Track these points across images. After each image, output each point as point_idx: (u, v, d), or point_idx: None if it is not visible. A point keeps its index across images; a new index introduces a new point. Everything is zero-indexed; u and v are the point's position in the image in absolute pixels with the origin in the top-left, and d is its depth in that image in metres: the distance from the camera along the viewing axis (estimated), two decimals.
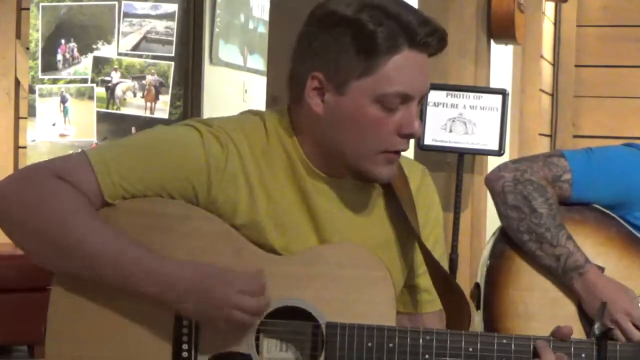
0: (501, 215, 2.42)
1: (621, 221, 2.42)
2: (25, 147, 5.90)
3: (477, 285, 2.43)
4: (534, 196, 2.37)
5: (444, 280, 1.91)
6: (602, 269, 2.38)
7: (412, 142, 4.09)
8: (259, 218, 1.79)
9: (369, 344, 1.75)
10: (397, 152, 1.81)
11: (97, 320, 1.78)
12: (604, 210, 2.43)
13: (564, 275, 2.34)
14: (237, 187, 1.79)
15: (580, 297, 2.35)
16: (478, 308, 2.40)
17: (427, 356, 1.76)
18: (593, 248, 2.40)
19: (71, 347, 1.79)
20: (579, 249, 2.35)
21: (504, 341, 1.76)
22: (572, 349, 1.78)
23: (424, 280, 1.95)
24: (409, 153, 3.99)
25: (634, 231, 2.42)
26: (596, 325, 1.84)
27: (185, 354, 1.76)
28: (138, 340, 1.77)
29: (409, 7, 1.77)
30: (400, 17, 1.74)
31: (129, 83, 5.63)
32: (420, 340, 1.75)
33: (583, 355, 1.79)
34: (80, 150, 1.83)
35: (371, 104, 1.75)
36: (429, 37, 1.75)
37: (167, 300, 1.72)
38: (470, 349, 1.76)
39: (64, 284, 1.81)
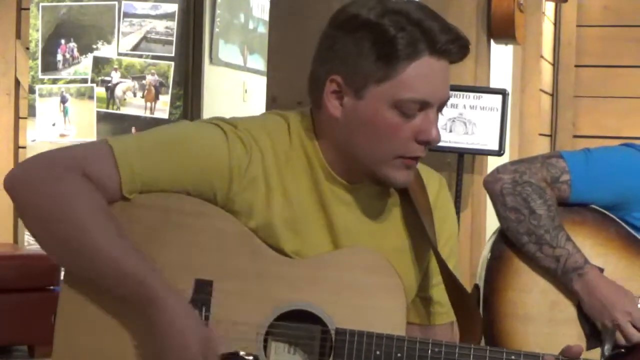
0: (500, 217, 2.41)
1: (620, 222, 2.42)
2: (25, 147, 5.90)
3: (476, 286, 2.43)
4: (532, 198, 2.36)
5: (458, 292, 1.90)
6: (601, 270, 2.37)
7: None
8: (274, 221, 1.79)
9: (377, 352, 1.74)
10: (414, 158, 1.80)
11: (106, 313, 1.77)
12: (603, 211, 2.43)
13: (564, 276, 2.34)
14: (256, 190, 1.79)
15: (580, 298, 2.34)
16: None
17: None
18: (592, 249, 2.40)
19: (79, 338, 1.78)
20: (578, 250, 2.35)
21: (513, 357, 1.75)
22: None
23: (438, 291, 1.94)
24: None
25: (633, 232, 2.42)
26: (607, 347, 1.83)
27: None
28: (144, 333, 1.74)
29: (431, 13, 1.76)
30: (422, 24, 1.73)
31: (129, 83, 5.63)
32: (429, 352, 1.74)
33: None
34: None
35: (389, 109, 1.75)
36: (450, 45, 1.74)
37: (150, 322, 1.70)
38: None
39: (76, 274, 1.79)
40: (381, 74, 1.74)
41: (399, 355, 1.74)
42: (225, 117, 1.87)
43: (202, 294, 1.76)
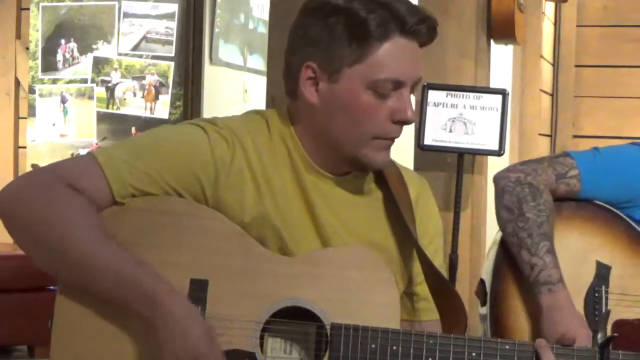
0: (496, 214, 2.43)
1: (629, 220, 2.42)
2: (25, 147, 5.90)
3: (481, 281, 2.43)
4: (526, 200, 2.36)
5: (443, 288, 1.91)
6: (609, 267, 2.37)
7: (411, 142, 4.11)
8: (267, 213, 1.81)
9: (373, 346, 1.75)
10: (392, 139, 1.84)
11: (103, 317, 1.77)
12: (612, 208, 2.43)
13: (533, 286, 2.31)
14: (244, 183, 1.81)
15: (541, 313, 2.30)
16: (483, 304, 2.40)
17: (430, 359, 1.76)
18: (600, 246, 2.40)
19: (76, 339, 1.78)
20: (556, 266, 2.31)
21: (507, 347, 1.77)
22: (575, 357, 1.79)
23: (423, 288, 1.96)
24: (409, 153, 3.99)
25: None
26: (600, 334, 1.83)
27: None
28: (143, 337, 1.76)
29: None
30: (391, 5, 1.78)
31: (129, 83, 5.63)
32: (424, 344, 1.76)
33: None
34: (80, 151, 1.82)
35: (364, 91, 1.79)
36: (419, 25, 1.79)
37: (150, 321, 1.71)
38: (474, 354, 1.76)
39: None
40: (355, 56, 1.78)
41: (394, 348, 1.75)
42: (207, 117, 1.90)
43: (198, 293, 1.76)
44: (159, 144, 1.82)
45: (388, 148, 1.84)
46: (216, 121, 1.85)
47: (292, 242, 1.82)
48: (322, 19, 1.79)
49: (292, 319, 1.78)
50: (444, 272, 1.95)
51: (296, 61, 1.82)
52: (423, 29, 1.80)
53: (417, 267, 1.95)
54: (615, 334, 1.91)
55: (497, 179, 2.44)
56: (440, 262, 1.95)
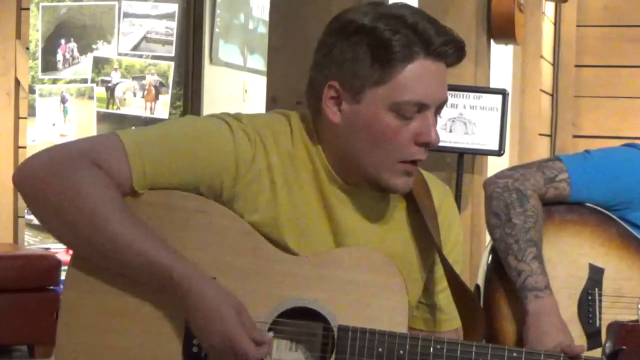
0: (485, 220, 2.42)
1: (621, 222, 2.42)
2: (25, 147, 5.90)
3: (477, 286, 2.43)
4: (514, 205, 2.35)
5: (465, 296, 1.91)
6: (602, 270, 2.37)
7: None
8: (278, 216, 1.80)
9: (380, 349, 1.75)
10: (414, 162, 1.81)
11: (110, 309, 1.78)
12: (604, 211, 2.42)
13: (520, 292, 2.30)
14: (261, 184, 1.80)
15: (527, 319, 2.28)
16: None
17: None
18: (593, 249, 2.39)
19: (82, 335, 1.79)
20: (543, 272, 2.30)
21: (514, 354, 1.76)
22: None
23: (443, 298, 1.95)
24: None
25: (634, 231, 2.41)
26: (608, 344, 1.83)
27: (195, 349, 1.77)
28: (149, 333, 1.77)
29: (426, 17, 1.77)
30: (417, 26, 1.74)
31: (129, 83, 5.63)
32: (431, 349, 1.75)
33: None
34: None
35: (387, 113, 1.76)
36: (445, 47, 1.75)
37: (184, 306, 1.72)
38: None
39: (79, 271, 1.80)
40: (377, 77, 1.75)
41: (401, 352, 1.75)
42: (230, 112, 1.88)
43: None
44: (185, 137, 1.79)
45: (410, 174, 1.81)
46: (241, 117, 1.83)
47: (308, 247, 1.80)
48: (346, 39, 1.76)
49: (300, 319, 1.77)
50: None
51: (319, 79, 1.80)
52: (449, 50, 1.76)
53: (436, 276, 1.94)
54: (624, 347, 1.91)
55: (485, 185, 2.44)
56: (459, 271, 1.94)
